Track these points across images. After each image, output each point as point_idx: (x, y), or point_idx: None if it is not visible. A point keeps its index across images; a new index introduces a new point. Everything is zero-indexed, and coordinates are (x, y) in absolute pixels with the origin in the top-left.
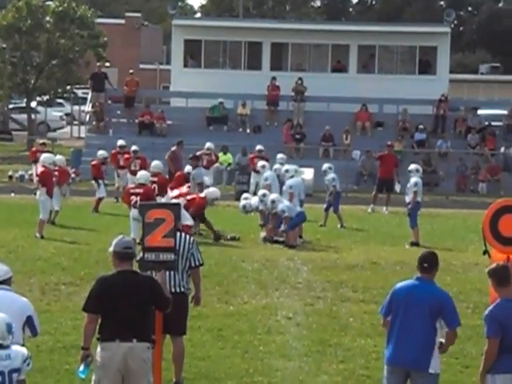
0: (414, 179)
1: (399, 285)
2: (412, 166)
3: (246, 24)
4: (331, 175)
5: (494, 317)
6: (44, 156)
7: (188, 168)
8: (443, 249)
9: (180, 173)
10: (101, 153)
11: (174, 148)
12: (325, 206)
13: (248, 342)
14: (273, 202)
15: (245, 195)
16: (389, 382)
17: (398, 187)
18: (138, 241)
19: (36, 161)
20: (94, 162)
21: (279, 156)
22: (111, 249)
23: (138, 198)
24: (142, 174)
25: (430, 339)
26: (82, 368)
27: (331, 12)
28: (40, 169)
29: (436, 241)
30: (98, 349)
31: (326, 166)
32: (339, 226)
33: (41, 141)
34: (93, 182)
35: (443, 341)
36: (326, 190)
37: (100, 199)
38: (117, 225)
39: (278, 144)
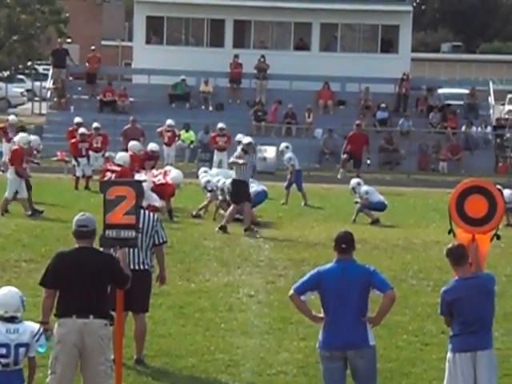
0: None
1: (322, 269)
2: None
3: (208, 1)
4: (288, 154)
5: (443, 295)
6: (20, 136)
7: (152, 145)
8: (404, 227)
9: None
10: (81, 130)
11: (127, 126)
12: (285, 184)
13: (209, 320)
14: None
15: (204, 169)
16: (329, 371)
17: (367, 164)
18: None
19: (7, 139)
20: (72, 141)
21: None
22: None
23: (113, 175)
24: (121, 155)
25: (363, 315)
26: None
27: None
28: (14, 147)
29: (397, 219)
30: (56, 325)
31: (282, 145)
32: (303, 203)
33: (11, 119)
34: (72, 159)
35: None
36: (286, 168)
37: (78, 178)
38: (78, 202)
39: (240, 122)
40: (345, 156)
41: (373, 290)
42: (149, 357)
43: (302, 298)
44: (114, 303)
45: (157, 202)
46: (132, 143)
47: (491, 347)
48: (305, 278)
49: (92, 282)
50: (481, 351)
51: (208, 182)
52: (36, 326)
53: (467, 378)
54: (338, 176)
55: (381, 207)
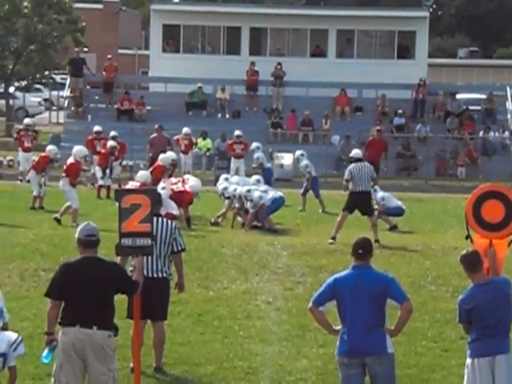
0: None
1: (338, 276)
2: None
3: (224, 9)
4: (304, 162)
5: (461, 304)
6: (76, 149)
7: (171, 154)
8: (422, 233)
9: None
10: (111, 144)
11: (153, 134)
12: (301, 190)
13: (228, 327)
14: (248, 190)
15: (224, 176)
16: (348, 378)
17: (384, 172)
18: None
19: (23, 148)
20: (103, 151)
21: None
22: (76, 235)
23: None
24: (142, 173)
25: (381, 323)
26: (45, 353)
27: None
28: (70, 160)
29: (415, 225)
30: (60, 333)
31: (298, 153)
32: (320, 210)
33: (25, 122)
34: (97, 168)
35: (391, 327)
36: (303, 175)
37: (101, 186)
38: (95, 211)
39: (257, 129)
40: None
41: (390, 300)
42: (168, 365)
43: (321, 308)
44: (132, 311)
45: (175, 210)
46: (164, 156)
47: (509, 351)
48: (321, 288)
49: (97, 292)
50: (499, 355)
51: (225, 189)
52: (14, 336)
53: (486, 382)
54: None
55: (399, 212)
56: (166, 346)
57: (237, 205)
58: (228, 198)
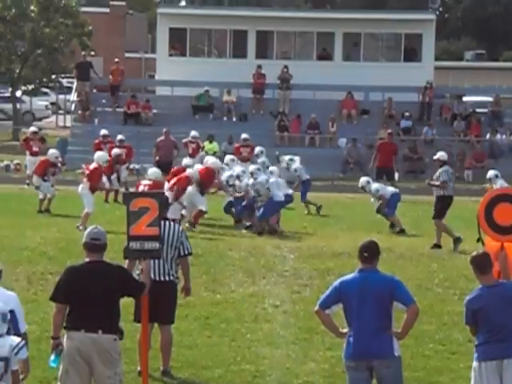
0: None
1: (344, 279)
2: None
3: (231, 12)
4: (294, 166)
5: (468, 305)
6: (98, 155)
7: (186, 161)
8: (429, 235)
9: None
10: (116, 152)
11: (160, 138)
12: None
13: (235, 330)
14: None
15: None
16: (355, 382)
17: (396, 175)
18: None
19: (31, 152)
20: (108, 158)
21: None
22: (83, 239)
23: (146, 188)
24: (152, 170)
25: (388, 326)
26: (52, 357)
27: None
28: (93, 165)
29: (422, 228)
30: (65, 337)
31: (286, 158)
32: (306, 212)
33: (31, 129)
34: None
35: (398, 330)
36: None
37: (108, 190)
38: (103, 214)
39: (264, 132)
40: (376, 174)
41: (396, 303)
42: (175, 368)
43: (327, 311)
44: (140, 314)
45: (183, 210)
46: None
47: None
48: (328, 291)
49: (103, 296)
50: (507, 359)
51: (230, 176)
52: (17, 340)
53: None
54: (371, 200)
55: (397, 198)
56: (173, 350)
57: (241, 193)
58: (232, 185)
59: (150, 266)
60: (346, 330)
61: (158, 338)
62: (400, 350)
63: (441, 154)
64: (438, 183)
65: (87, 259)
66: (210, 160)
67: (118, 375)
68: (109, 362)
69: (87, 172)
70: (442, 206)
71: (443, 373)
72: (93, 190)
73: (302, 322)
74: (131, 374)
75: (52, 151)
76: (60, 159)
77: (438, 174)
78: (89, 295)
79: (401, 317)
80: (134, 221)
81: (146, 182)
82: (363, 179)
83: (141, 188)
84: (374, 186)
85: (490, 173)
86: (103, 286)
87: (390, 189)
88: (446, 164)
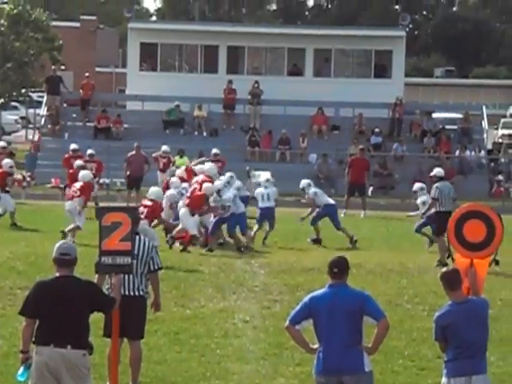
0: None
1: (314, 295)
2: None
3: (202, 27)
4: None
5: (437, 321)
6: (82, 174)
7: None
8: (399, 251)
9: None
10: (78, 163)
11: (131, 153)
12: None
13: (205, 346)
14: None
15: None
16: None
17: (370, 190)
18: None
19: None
20: (70, 171)
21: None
22: (53, 254)
23: (146, 210)
24: (153, 189)
25: (358, 341)
26: (21, 371)
27: (287, 15)
28: (80, 183)
29: (392, 244)
30: (34, 352)
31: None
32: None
33: (0, 144)
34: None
35: (369, 345)
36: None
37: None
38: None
39: (235, 147)
40: (345, 197)
41: (366, 317)
42: (144, 383)
43: (297, 327)
44: (110, 329)
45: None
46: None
47: (486, 372)
48: (297, 307)
49: (72, 311)
50: (476, 376)
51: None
52: None
53: None
54: (341, 215)
55: (330, 210)
56: (142, 365)
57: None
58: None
59: (121, 281)
60: (316, 346)
61: (127, 353)
62: (371, 365)
63: (437, 171)
64: (413, 214)
65: (57, 274)
66: (206, 167)
67: None
68: (78, 378)
69: (78, 188)
70: (440, 222)
71: None
72: (85, 204)
73: (272, 338)
74: None
75: (5, 161)
76: (14, 169)
77: (432, 190)
78: (58, 310)
79: (371, 332)
80: (106, 235)
81: (147, 202)
82: (304, 181)
83: (141, 209)
84: (313, 189)
85: (417, 185)
86: (73, 301)
87: (326, 199)
88: (443, 180)
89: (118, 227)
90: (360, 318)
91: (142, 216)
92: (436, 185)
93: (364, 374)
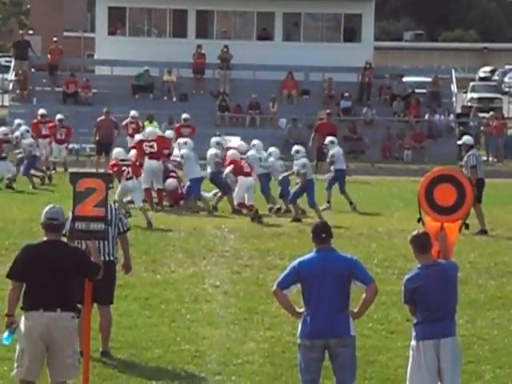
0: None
1: (303, 259)
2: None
3: None
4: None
5: (406, 284)
6: (116, 151)
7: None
8: (369, 215)
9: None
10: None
11: (100, 118)
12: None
13: (175, 311)
14: None
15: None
16: (307, 361)
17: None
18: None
19: None
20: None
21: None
22: (41, 219)
23: (130, 169)
24: (119, 150)
25: (346, 305)
26: (6, 335)
27: None
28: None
29: (362, 208)
30: (22, 318)
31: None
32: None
33: None
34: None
35: (355, 310)
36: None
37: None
38: (42, 195)
39: (204, 112)
40: (314, 162)
41: (354, 281)
42: (115, 349)
43: (285, 291)
44: (82, 296)
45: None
46: (117, 151)
47: (455, 334)
48: (286, 271)
49: (60, 275)
50: (444, 338)
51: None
52: None
53: (431, 365)
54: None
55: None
56: (112, 330)
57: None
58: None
59: (97, 247)
60: (302, 310)
61: (97, 319)
62: (355, 330)
63: (466, 139)
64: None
65: (45, 238)
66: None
67: (76, 354)
68: (68, 340)
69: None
70: (477, 189)
71: (382, 352)
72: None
73: (242, 302)
74: None
75: (1, 129)
76: (10, 135)
77: (465, 158)
78: (46, 274)
79: (357, 297)
80: (80, 201)
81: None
82: (296, 148)
83: (124, 168)
84: (303, 160)
85: (294, 148)
86: (61, 264)
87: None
88: (473, 148)
89: (91, 193)
90: (348, 282)
91: (129, 176)
92: (471, 152)
93: (350, 337)
